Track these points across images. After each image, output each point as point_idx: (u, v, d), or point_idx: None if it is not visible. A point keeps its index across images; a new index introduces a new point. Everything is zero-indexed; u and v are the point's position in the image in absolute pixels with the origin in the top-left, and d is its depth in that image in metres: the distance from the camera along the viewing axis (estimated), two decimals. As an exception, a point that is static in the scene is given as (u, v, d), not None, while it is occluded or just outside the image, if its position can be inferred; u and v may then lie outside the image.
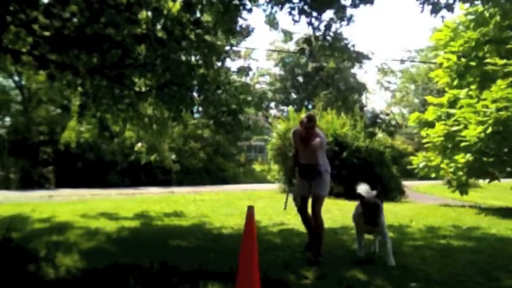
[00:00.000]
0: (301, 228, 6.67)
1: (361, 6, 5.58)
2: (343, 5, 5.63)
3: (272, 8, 6.41)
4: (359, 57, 6.08)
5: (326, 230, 5.37)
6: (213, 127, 7.57)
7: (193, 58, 6.73)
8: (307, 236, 5.05)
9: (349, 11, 5.69)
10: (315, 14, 5.70)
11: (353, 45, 6.11)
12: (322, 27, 5.81)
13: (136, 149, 20.56)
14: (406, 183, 15.14)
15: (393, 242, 5.61)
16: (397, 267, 4.22)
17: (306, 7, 5.61)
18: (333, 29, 5.86)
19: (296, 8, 5.64)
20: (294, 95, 44.15)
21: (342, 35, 6.03)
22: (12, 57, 5.46)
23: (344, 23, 5.75)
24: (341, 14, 5.63)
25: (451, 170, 10.74)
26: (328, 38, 5.88)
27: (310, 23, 5.75)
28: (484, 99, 9.44)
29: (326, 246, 5.18)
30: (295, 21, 5.73)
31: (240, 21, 6.51)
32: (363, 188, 4.72)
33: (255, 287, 3.20)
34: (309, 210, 4.81)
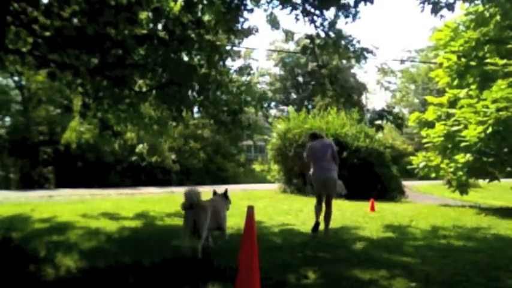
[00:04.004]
0: (301, 228, 6.70)
1: (361, 6, 5.58)
2: (344, 4, 5.62)
3: (273, 8, 6.41)
4: (364, 53, 6.02)
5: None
6: (214, 126, 7.57)
7: (195, 58, 6.73)
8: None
9: (351, 10, 5.68)
10: (317, 12, 5.70)
11: (358, 41, 6.07)
12: (326, 24, 5.79)
13: (137, 150, 20.57)
14: (406, 183, 15.16)
15: (394, 242, 5.65)
16: (397, 267, 4.23)
17: (308, 6, 5.61)
18: (337, 26, 5.84)
19: (298, 8, 5.64)
20: (294, 95, 44.24)
21: (344, 32, 6.01)
22: (16, 57, 5.46)
23: (349, 19, 5.73)
24: (345, 11, 5.62)
25: (451, 170, 10.73)
26: (332, 35, 5.85)
27: (312, 21, 5.74)
28: (484, 99, 9.43)
29: (326, 246, 5.21)
30: (298, 20, 5.72)
31: (242, 21, 6.51)
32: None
33: (255, 287, 3.21)
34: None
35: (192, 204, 4.36)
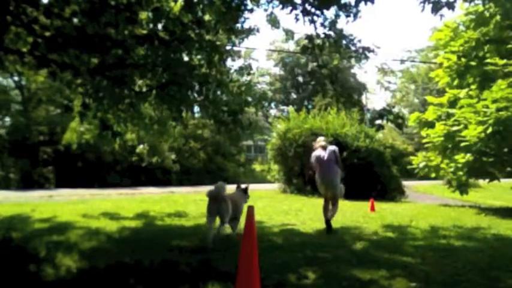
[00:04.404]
0: (301, 228, 6.71)
1: (361, 5, 5.56)
2: (345, 3, 5.61)
3: (273, 8, 6.39)
4: (365, 52, 5.99)
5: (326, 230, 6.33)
6: (214, 126, 7.57)
7: (195, 58, 6.72)
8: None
9: (352, 9, 5.66)
10: (317, 12, 5.68)
11: (359, 40, 6.04)
12: (327, 24, 5.77)
13: (138, 150, 20.56)
14: (406, 183, 15.15)
15: (394, 242, 5.65)
16: (397, 267, 4.23)
17: (308, 6, 5.59)
18: (338, 25, 5.81)
19: (298, 8, 5.63)
20: (294, 95, 44.23)
21: (345, 32, 5.99)
22: (14, 57, 5.46)
23: (350, 18, 5.71)
24: (346, 11, 5.60)
25: (451, 170, 10.73)
26: (333, 34, 5.83)
27: (312, 21, 5.72)
28: (484, 99, 9.43)
29: (326, 246, 5.21)
30: (297, 19, 5.71)
31: (242, 21, 6.50)
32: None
33: (255, 287, 3.21)
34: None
35: (216, 197, 5.16)
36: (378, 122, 6.30)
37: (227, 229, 5.62)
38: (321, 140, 7.15)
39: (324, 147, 6.94)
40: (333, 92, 6.51)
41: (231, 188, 5.86)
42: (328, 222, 6.53)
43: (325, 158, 6.78)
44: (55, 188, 17.32)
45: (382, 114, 5.90)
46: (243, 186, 6.15)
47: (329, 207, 6.78)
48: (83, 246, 5.12)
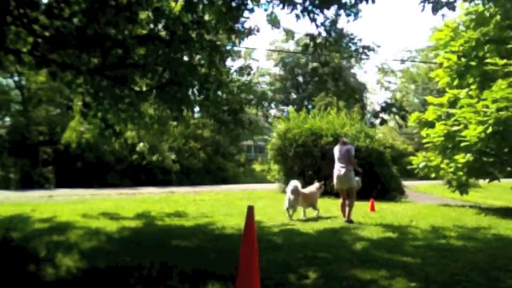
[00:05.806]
0: (301, 228, 6.71)
1: (362, 5, 5.55)
2: (345, 3, 5.60)
3: (274, 7, 6.39)
4: (365, 51, 5.97)
5: (326, 230, 6.52)
6: (215, 125, 7.61)
7: (195, 58, 6.71)
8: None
9: (353, 8, 5.65)
10: (317, 11, 5.68)
11: (360, 39, 6.03)
12: (327, 23, 5.76)
13: (138, 149, 20.56)
14: (406, 183, 15.14)
15: (394, 242, 5.65)
16: (397, 267, 4.23)
17: (308, 6, 5.58)
18: (338, 25, 5.81)
19: (298, 7, 5.62)
20: (294, 95, 44.24)
21: (345, 31, 5.98)
22: (14, 57, 5.45)
23: (351, 18, 5.71)
24: (346, 10, 5.60)
25: (451, 170, 10.71)
26: (333, 34, 5.82)
27: (313, 20, 5.71)
28: (484, 99, 9.42)
29: (326, 246, 5.21)
30: (298, 18, 5.70)
31: (243, 21, 6.49)
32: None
33: (255, 287, 3.21)
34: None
35: (293, 190, 7.60)
36: (381, 116, 6.22)
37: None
38: (343, 138, 8.31)
39: (344, 143, 7.72)
40: (335, 88, 6.51)
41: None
42: (347, 218, 7.34)
43: (340, 154, 7.59)
44: (55, 188, 17.32)
45: (385, 108, 5.83)
46: (318, 182, 8.48)
47: (345, 204, 7.46)
48: (83, 246, 5.12)
